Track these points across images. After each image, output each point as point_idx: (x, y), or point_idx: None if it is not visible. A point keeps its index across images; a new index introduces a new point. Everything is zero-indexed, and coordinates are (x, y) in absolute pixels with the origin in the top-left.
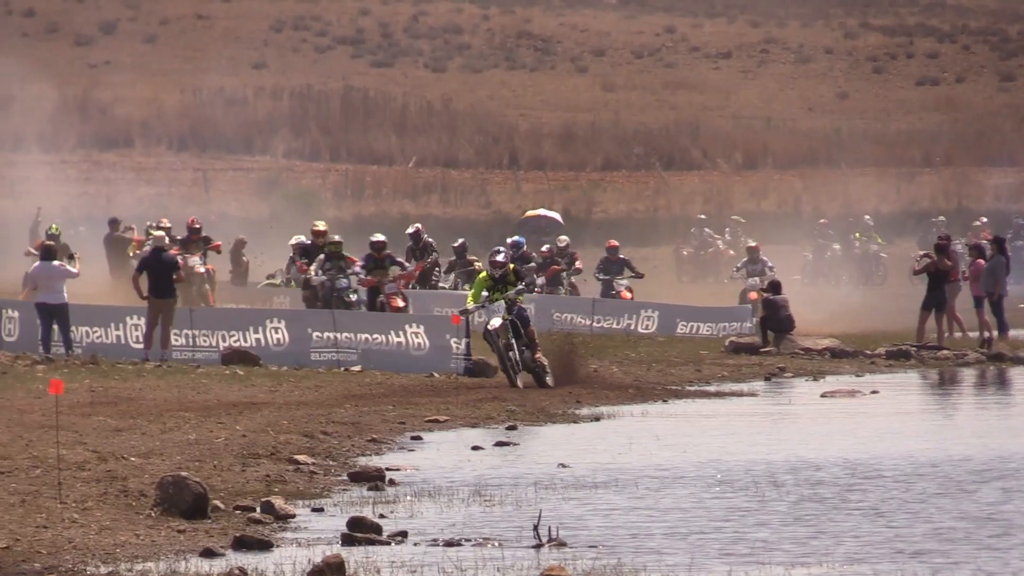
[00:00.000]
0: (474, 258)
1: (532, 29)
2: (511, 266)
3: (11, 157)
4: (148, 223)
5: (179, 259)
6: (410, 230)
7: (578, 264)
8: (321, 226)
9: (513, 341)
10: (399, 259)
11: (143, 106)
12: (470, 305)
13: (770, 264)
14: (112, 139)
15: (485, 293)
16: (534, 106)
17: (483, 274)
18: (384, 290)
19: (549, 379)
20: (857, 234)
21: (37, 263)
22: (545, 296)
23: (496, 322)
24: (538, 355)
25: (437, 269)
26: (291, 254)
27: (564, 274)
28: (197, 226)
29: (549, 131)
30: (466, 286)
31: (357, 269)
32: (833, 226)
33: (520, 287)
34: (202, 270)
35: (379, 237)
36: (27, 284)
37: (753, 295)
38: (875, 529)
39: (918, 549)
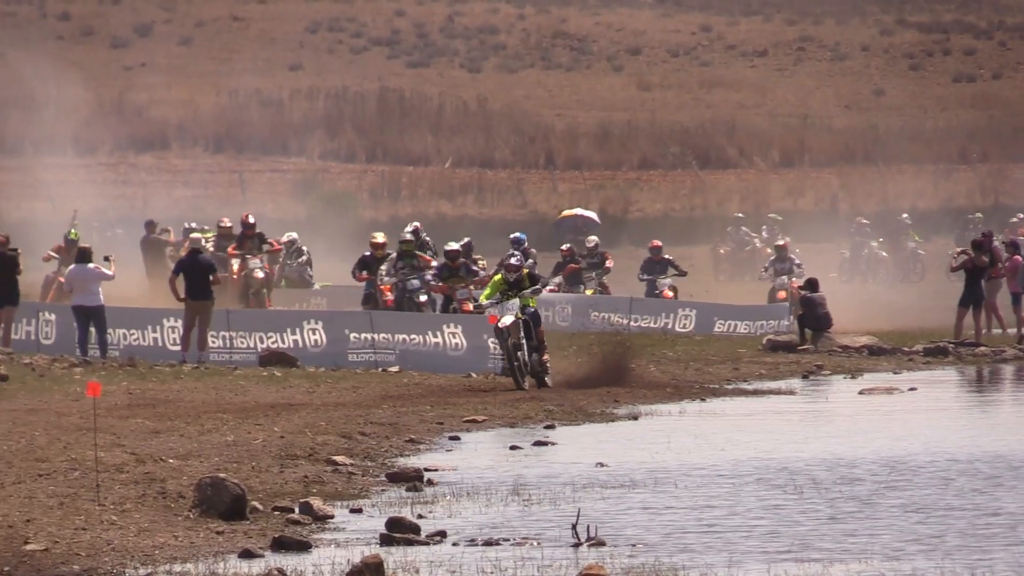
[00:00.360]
0: (479, 257)
1: (568, 29)
2: (526, 271)
3: (47, 160)
4: (185, 224)
5: (237, 261)
6: (408, 228)
7: (608, 263)
8: (380, 238)
9: (523, 341)
10: (474, 267)
11: (179, 108)
12: (484, 301)
13: (798, 262)
14: (148, 141)
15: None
16: (570, 105)
17: (498, 276)
18: (456, 296)
19: (549, 380)
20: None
21: (73, 266)
22: (583, 296)
23: (508, 319)
24: (545, 357)
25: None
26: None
27: (594, 273)
28: (251, 221)
29: (585, 130)
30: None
31: (429, 276)
32: (872, 224)
33: (536, 287)
34: (261, 275)
35: (453, 246)
36: (49, 287)
37: (782, 294)
38: (912, 526)
39: (955, 545)
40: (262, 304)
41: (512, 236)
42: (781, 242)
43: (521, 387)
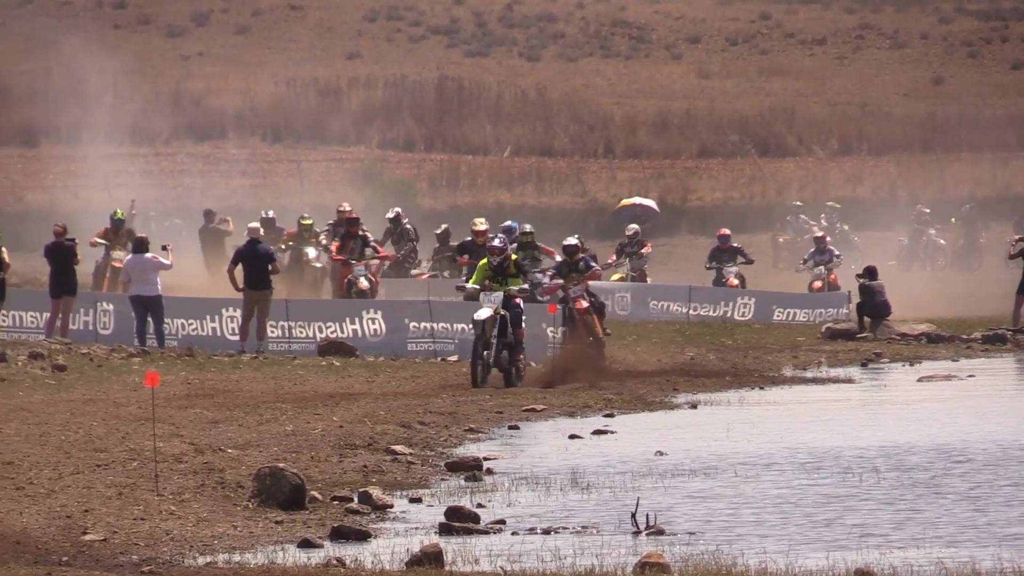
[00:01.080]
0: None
1: (627, 17)
2: (513, 256)
3: (103, 149)
4: (263, 213)
5: (342, 267)
6: (390, 214)
7: (644, 250)
8: (481, 225)
9: (494, 340)
10: (593, 263)
11: (236, 97)
12: (470, 286)
13: (837, 253)
14: (205, 131)
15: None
16: (629, 94)
17: (484, 261)
18: (570, 294)
19: (519, 382)
20: (953, 219)
21: (130, 256)
22: (644, 284)
23: (484, 313)
24: (521, 357)
25: (413, 256)
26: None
27: (627, 260)
28: (355, 217)
29: (644, 119)
30: (446, 273)
31: (545, 280)
32: (932, 212)
33: (524, 286)
34: (366, 284)
35: (572, 240)
36: (102, 275)
37: (817, 284)
38: (970, 513)
39: (1013, 533)
40: None
41: (503, 225)
42: (819, 233)
43: (476, 384)
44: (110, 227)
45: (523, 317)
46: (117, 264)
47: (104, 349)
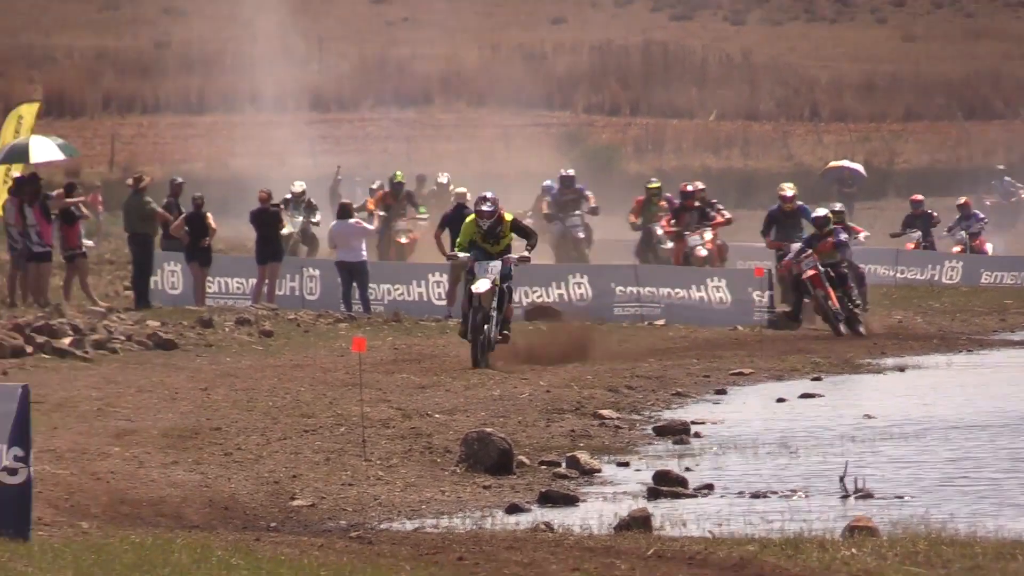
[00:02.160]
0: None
1: None
2: (508, 217)
3: (308, 116)
4: (548, 182)
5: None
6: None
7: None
8: (789, 191)
9: (493, 313)
10: (843, 233)
11: (442, 63)
12: (460, 253)
13: (982, 216)
14: (411, 96)
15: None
16: (834, 58)
17: (471, 218)
18: (802, 267)
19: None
20: None
21: (335, 222)
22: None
23: (484, 285)
24: (505, 332)
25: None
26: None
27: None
28: (691, 189)
29: (850, 82)
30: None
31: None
32: None
33: (524, 254)
34: (704, 253)
35: (821, 213)
36: (388, 245)
37: (956, 248)
38: None
39: None
40: None
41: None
42: (962, 200)
43: (478, 364)
44: (388, 191)
45: (514, 292)
46: (402, 238)
47: (310, 315)
